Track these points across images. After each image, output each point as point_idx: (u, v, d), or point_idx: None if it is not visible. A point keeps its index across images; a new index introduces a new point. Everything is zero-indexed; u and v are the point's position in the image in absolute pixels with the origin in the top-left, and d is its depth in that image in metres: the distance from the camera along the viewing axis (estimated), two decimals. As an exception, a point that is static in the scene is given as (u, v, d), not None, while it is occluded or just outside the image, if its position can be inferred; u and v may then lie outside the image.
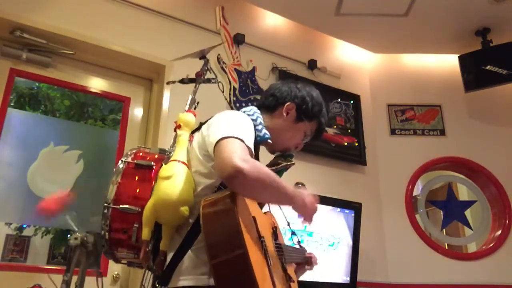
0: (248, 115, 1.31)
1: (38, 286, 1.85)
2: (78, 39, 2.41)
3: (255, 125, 1.28)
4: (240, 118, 1.24)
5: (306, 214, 1.32)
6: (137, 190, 1.21)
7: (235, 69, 2.89)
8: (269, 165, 1.36)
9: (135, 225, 1.16)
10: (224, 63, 2.85)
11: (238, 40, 2.98)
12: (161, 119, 2.51)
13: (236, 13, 3.07)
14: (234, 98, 2.79)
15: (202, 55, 1.68)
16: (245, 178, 1.01)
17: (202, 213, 1.01)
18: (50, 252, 3.18)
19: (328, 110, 3.21)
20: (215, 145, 1.11)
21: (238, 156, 1.04)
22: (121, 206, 1.17)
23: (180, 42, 2.72)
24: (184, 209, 1.13)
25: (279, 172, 1.37)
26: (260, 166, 1.09)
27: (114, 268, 2.28)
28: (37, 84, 2.91)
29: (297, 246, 1.57)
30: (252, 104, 1.47)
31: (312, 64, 3.27)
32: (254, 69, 2.98)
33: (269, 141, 1.30)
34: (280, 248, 1.32)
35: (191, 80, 1.67)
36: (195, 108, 1.53)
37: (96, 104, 3.18)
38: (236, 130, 1.14)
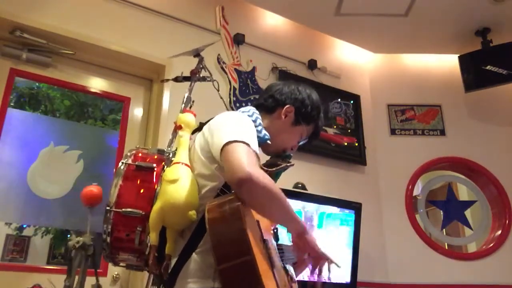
0: (248, 115, 1.31)
1: (38, 286, 1.85)
2: (78, 39, 2.41)
3: (255, 126, 1.27)
4: (242, 120, 1.24)
5: (304, 245, 1.25)
6: (139, 193, 1.19)
7: (235, 69, 2.89)
8: (267, 165, 1.36)
9: (138, 228, 1.14)
10: (224, 63, 2.85)
11: (238, 40, 2.98)
12: (161, 119, 2.51)
13: (236, 13, 3.07)
14: (234, 98, 2.79)
15: (196, 53, 1.68)
16: (253, 184, 1.01)
17: (208, 218, 1.01)
18: (50, 252, 3.19)
19: (328, 110, 3.21)
20: (222, 149, 1.10)
21: (247, 161, 1.04)
22: (123, 209, 1.16)
23: (180, 42, 2.72)
24: (193, 213, 1.13)
25: (278, 173, 1.37)
26: (268, 176, 1.09)
27: (114, 268, 2.28)
28: (37, 84, 2.91)
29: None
30: (252, 104, 1.46)
31: (312, 64, 3.27)
32: (254, 69, 2.98)
33: (268, 142, 1.30)
34: (281, 249, 1.32)
35: (185, 78, 1.67)
36: (190, 107, 1.53)
37: (96, 104, 3.18)
38: (242, 133, 1.13)
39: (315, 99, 1.46)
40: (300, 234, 1.23)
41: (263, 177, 1.05)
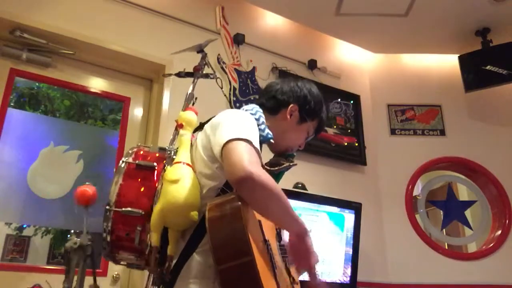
0: (251, 114, 1.30)
1: (38, 286, 1.85)
2: (78, 39, 2.41)
3: (258, 125, 1.26)
4: (244, 117, 1.22)
5: (301, 246, 1.20)
6: (140, 192, 1.18)
7: (235, 69, 2.89)
8: (269, 165, 1.35)
9: (138, 227, 1.13)
10: (224, 63, 2.85)
11: (238, 40, 2.98)
12: (161, 119, 2.51)
13: (236, 13, 3.07)
14: (234, 98, 2.79)
15: (199, 49, 1.68)
16: (254, 183, 1.00)
17: (208, 217, 1.00)
18: (50, 252, 3.19)
19: (328, 110, 3.21)
20: (223, 147, 1.09)
21: (248, 160, 1.03)
22: (123, 209, 1.15)
23: (180, 42, 2.69)
24: (194, 214, 1.11)
25: (281, 173, 1.36)
26: (268, 175, 1.07)
27: (114, 268, 2.28)
28: (37, 84, 2.91)
29: None
30: (254, 103, 1.44)
31: (312, 64, 3.26)
32: (254, 69, 2.98)
33: (271, 141, 1.29)
34: (284, 249, 1.31)
35: (187, 74, 1.66)
36: (193, 104, 1.52)
37: (96, 104, 3.18)
38: (243, 131, 1.12)
39: (315, 93, 1.45)
40: (300, 236, 1.19)
41: (264, 176, 1.03)
